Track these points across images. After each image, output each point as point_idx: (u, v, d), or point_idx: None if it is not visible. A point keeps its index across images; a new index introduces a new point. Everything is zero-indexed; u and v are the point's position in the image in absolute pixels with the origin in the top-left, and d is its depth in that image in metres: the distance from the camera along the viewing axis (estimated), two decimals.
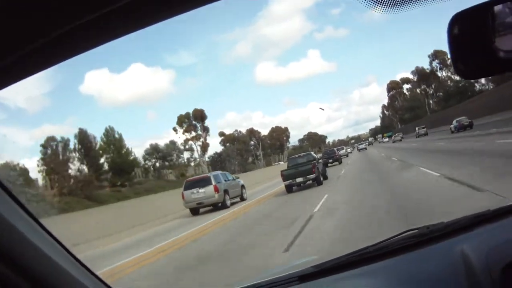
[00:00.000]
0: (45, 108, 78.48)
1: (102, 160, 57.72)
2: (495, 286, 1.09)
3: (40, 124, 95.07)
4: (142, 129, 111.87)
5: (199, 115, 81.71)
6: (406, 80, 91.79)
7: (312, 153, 23.29)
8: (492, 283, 1.09)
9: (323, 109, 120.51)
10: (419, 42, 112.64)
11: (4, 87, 0.90)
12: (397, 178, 12.68)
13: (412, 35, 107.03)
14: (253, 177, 40.08)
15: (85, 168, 54.78)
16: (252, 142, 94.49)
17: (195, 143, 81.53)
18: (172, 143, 78.32)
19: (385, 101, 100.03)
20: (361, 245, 1.50)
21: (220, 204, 17.05)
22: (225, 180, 18.10)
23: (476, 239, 1.33)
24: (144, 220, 18.39)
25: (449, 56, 0.97)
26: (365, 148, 60.57)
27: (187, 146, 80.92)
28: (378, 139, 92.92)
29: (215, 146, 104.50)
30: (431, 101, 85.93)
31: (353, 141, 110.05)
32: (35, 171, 50.67)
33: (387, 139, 79.40)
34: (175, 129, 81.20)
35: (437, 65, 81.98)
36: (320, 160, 21.61)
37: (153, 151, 73.81)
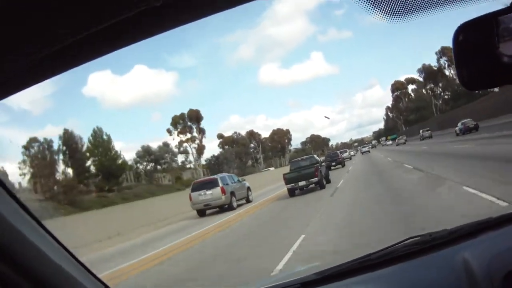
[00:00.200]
0: (48, 110, 79.77)
1: (89, 163, 55.66)
2: None
3: (43, 126, 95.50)
4: (143, 131, 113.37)
5: (195, 116, 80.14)
6: (411, 80, 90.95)
7: (315, 156, 23.48)
8: None
9: (328, 118, 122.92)
10: (423, 44, 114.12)
11: (11, 94, 0.95)
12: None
13: (416, 37, 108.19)
14: (252, 181, 40.14)
15: (70, 171, 52.79)
16: (252, 145, 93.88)
17: (190, 146, 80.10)
18: (166, 145, 76.73)
19: (389, 103, 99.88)
20: (363, 252, 1.54)
21: (226, 206, 17.89)
22: (232, 182, 19.06)
23: (478, 247, 1.37)
24: (126, 229, 17.80)
25: (454, 67, 1.00)
26: (368, 151, 61.22)
27: (181, 149, 79.43)
28: (382, 142, 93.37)
29: (213, 148, 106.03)
30: (438, 101, 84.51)
31: (356, 144, 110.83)
32: (17, 175, 48.36)
33: (390, 142, 79.76)
34: (169, 131, 79.74)
35: (445, 62, 78.67)
36: (323, 163, 21.82)
37: (145, 153, 72.04)
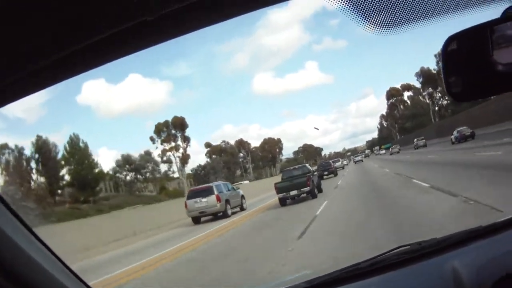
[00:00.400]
0: (42, 118, 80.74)
1: (64, 171, 53.75)
2: None
3: (35, 134, 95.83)
4: (137, 140, 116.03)
5: (179, 124, 78.72)
6: (407, 87, 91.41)
7: (307, 165, 24.02)
8: None
9: (317, 129, 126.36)
10: (420, 49, 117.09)
11: (8, 103, 1.02)
12: None
13: (413, 43, 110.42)
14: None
15: (43, 180, 50.89)
16: (241, 154, 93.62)
17: (173, 155, 78.39)
18: (147, 154, 75.03)
19: (384, 111, 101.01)
20: (353, 260, 1.60)
21: (221, 214, 18.95)
22: (227, 190, 20.18)
23: (467, 255, 1.43)
24: (92, 245, 17.31)
25: (443, 79, 1.03)
26: (361, 160, 63.22)
27: (164, 158, 77.55)
28: (375, 151, 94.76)
29: (201, 158, 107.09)
30: (436, 107, 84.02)
31: (349, 153, 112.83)
32: None
33: (383, 151, 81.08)
34: (152, 139, 78.03)
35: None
36: (315, 173, 22.35)
37: (125, 162, 70.19)
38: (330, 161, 44.94)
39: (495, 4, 1.05)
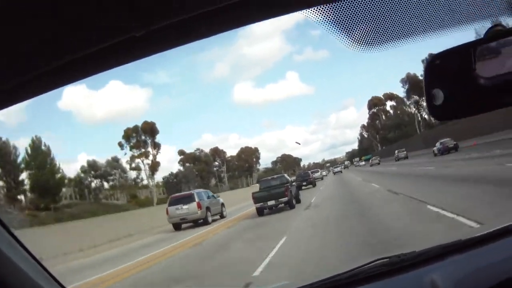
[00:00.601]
0: (23, 123, 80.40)
1: (23, 176, 51.09)
2: None
3: (17, 138, 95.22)
4: (115, 146, 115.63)
5: (149, 129, 76.75)
6: (390, 96, 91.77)
7: (285, 175, 24.31)
8: None
9: (299, 143, 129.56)
10: (403, 63, 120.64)
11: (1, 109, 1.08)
12: None
13: (396, 55, 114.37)
14: None
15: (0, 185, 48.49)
16: (216, 163, 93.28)
17: (143, 162, 76.32)
18: (115, 160, 73.12)
19: (365, 121, 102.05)
20: (332, 272, 1.67)
21: (202, 221, 20.14)
22: (207, 198, 21.53)
23: (446, 269, 1.50)
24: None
25: (425, 97, 1.07)
26: (341, 171, 64.81)
27: (133, 165, 75.41)
28: (355, 163, 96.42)
29: (176, 166, 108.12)
30: (425, 115, 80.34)
31: (328, 164, 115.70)
32: None
33: (363, 163, 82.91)
34: (120, 144, 75.61)
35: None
36: (293, 183, 22.77)
37: (90, 168, 68.26)
38: (309, 171, 45.83)
39: (478, 24, 1.12)
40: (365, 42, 1.07)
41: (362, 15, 1.05)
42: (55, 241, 20.82)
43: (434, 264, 1.55)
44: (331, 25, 1.06)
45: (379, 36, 1.09)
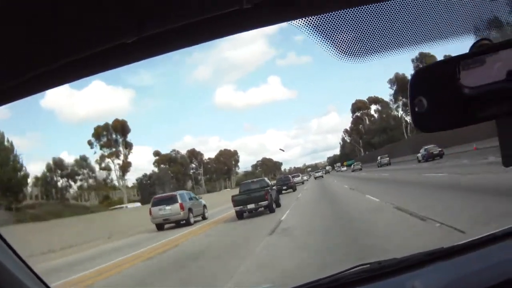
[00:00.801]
0: (4, 120, 78.61)
1: None
2: None
3: None
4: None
5: (120, 127, 74.65)
6: (374, 100, 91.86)
7: (266, 179, 24.80)
8: None
9: (283, 150, 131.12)
10: (388, 68, 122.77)
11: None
12: None
13: (380, 62, 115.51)
14: None
15: None
16: (193, 165, 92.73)
17: (113, 161, 74.01)
18: (83, 159, 70.85)
19: (347, 126, 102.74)
20: (314, 276, 1.72)
21: (184, 221, 21.16)
22: (190, 199, 22.68)
23: (427, 276, 1.57)
24: None
25: (409, 109, 1.11)
26: (322, 176, 66.04)
27: (103, 164, 73.28)
28: (336, 168, 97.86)
29: (148, 166, 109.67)
30: (411, 119, 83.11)
31: (309, 169, 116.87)
32: None
33: (345, 168, 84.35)
34: (90, 143, 73.55)
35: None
36: (273, 187, 23.24)
37: (56, 167, 65.96)
38: (290, 176, 46.48)
39: (463, 38, 1.21)
40: (350, 53, 1.14)
41: (347, 27, 1.12)
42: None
43: (416, 271, 1.61)
44: (316, 35, 1.13)
45: (364, 47, 1.16)
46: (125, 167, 74.40)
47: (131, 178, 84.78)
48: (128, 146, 75.25)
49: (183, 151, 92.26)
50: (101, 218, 34.42)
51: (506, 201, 8.71)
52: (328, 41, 1.14)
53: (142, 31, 0.97)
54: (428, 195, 13.32)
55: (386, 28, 1.16)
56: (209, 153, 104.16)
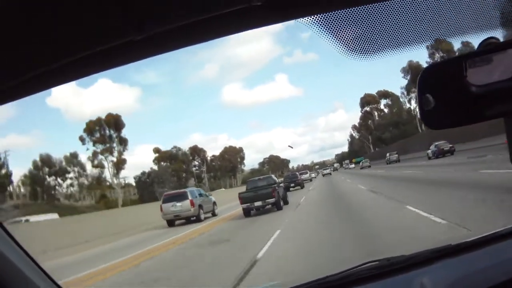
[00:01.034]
0: (10, 119, 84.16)
1: None
2: None
3: (5, 134, 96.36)
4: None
5: (113, 122, 72.81)
6: (384, 94, 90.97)
7: (273, 176, 24.96)
8: None
9: (291, 147, 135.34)
10: (396, 63, 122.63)
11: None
12: None
13: (384, 62, 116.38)
14: None
15: None
16: (196, 163, 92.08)
17: (106, 158, 72.32)
18: (73, 156, 69.82)
19: (356, 121, 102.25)
20: (323, 273, 1.78)
21: (194, 218, 22.23)
22: (200, 196, 23.67)
23: (435, 273, 1.61)
24: None
25: (418, 106, 1.16)
26: (330, 173, 67.46)
27: (96, 162, 71.91)
28: (344, 165, 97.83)
29: (147, 164, 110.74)
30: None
31: (317, 166, 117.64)
32: None
33: (353, 165, 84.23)
34: (82, 139, 71.63)
35: (443, 56, 65.29)
36: (281, 184, 23.52)
37: (43, 164, 65.15)
38: (297, 173, 47.02)
39: (471, 36, 1.23)
40: (357, 51, 1.17)
41: (355, 25, 1.16)
42: None
43: (424, 268, 1.66)
44: (324, 33, 1.16)
45: (371, 45, 1.19)
46: (119, 164, 73.32)
47: (129, 176, 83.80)
48: (123, 142, 74.19)
49: (187, 148, 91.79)
50: (95, 218, 34.07)
51: None
52: (336, 39, 1.17)
53: (150, 28, 1.00)
54: None
55: (394, 26, 1.18)
56: (217, 151, 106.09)
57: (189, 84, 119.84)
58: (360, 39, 1.18)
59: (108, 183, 72.72)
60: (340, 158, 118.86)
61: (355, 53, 1.18)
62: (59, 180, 66.22)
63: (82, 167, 70.35)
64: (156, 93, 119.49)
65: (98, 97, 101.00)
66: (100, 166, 72.17)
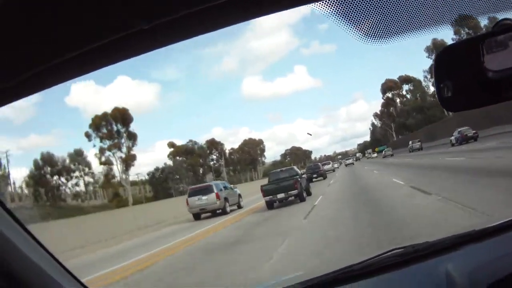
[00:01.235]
0: (31, 119, 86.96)
1: None
2: None
3: (26, 135, 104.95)
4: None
5: (121, 116, 69.32)
6: (406, 79, 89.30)
7: (295, 167, 25.29)
8: None
9: (310, 134, 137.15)
10: (413, 51, 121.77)
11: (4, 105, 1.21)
12: None
13: (401, 52, 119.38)
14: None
15: None
16: (214, 156, 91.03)
17: (114, 155, 68.89)
18: (78, 153, 66.60)
19: (378, 109, 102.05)
20: (346, 262, 1.80)
21: (220, 211, 22.87)
22: (225, 189, 24.34)
23: (460, 259, 1.63)
24: None
25: (435, 89, 1.17)
26: (352, 163, 68.13)
27: (103, 159, 68.41)
28: (367, 155, 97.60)
29: (162, 159, 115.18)
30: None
31: (339, 156, 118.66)
32: None
33: (375, 155, 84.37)
34: (87, 135, 67.96)
35: (469, 34, 61.07)
36: (303, 175, 23.77)
37: (44, 164, 61.96)
38: (319, 163, 47.24)
39: (488, 17, 1.20)
40: (373, 35, 1.17)
41: (370, 8, 1.14)
42: None
43: (448, 254, 1.67)
44: (338, 18, 1.15)
45: (388, 29, 1.18)
46: (128, 161, 69.79)
47: (143, 173, 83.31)
48: (132, 137, 70.34)
49: (203, 142, 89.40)
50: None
51: None
52: (353, 23, 1.16)
53: (160, 16, 0.99)
54: None
55: (410, 7, 1.18)
56: (237, 144, 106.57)
57: (209, 78, 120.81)
58: (378, 22, 1.17)
59: (117, 181, 69.76)
60: (362, 148, 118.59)
61: (374, 38, 1.17)
62: (62, 179, 63.81)
63: (88, 165, 67.77)
64: (176, 88, 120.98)
65: (117, 95, 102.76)
66: (108, 163, 69.17)
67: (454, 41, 1.24)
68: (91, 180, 68.05)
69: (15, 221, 1.25)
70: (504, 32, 1.13)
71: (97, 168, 69.90)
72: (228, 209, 23.24)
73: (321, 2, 1.12)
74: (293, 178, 20.57)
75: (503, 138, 28.08)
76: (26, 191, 57.76)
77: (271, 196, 20.04)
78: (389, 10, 1.17)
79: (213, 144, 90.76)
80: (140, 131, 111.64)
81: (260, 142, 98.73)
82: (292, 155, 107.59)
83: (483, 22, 1.27)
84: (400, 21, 1.19)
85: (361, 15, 1.15)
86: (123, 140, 70.47)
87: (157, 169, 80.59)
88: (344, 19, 1.15)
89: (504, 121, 36.53)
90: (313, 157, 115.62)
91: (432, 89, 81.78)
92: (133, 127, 73.39)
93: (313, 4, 1.13)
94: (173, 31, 1.09)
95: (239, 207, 25.34)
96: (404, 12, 1.19)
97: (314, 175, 37.32)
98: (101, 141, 69.40)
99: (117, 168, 70.20)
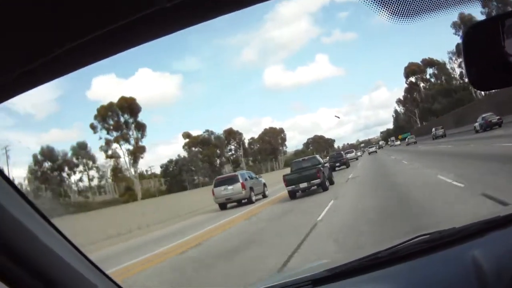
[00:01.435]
0: (53, 114, 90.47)
1: None
2: None
3: (48, 129, 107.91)
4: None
5: (128, 106, 66.08)
6: (429, 62, 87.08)
7: (317, 156, 25.26)
8: None
9: (338, 117, 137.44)
10: (432, 42, 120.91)
11: (14, 96, 1.19)
12: None
13: (424, 36, 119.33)
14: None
15: None
16: (232, 147, 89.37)
17: (121, 147, 65.99)
18: (82, 146, 63.88)
19: (401, 95, 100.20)
20: (372, 250, 1.81)
21: (246, 200, 23.58)
22: (250, 178, 24.95)
23: (487, 245, 1.62)
24: None
25: (464, 67, 1.16)
26: (375, 151, 68.85)
27: (110, 151, 65.97)
28: (390, 143, 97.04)
29: (176, 151, 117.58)
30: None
31: (363, 145, 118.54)
32: None
33: (398, 142, 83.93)
34: (93, 126, 64.97)
35: (499, 7, 58.53)
36: (326, 164, 23.85)
37: (45, 158, 59.99)
38: (342, 152, 47.63)
39: None
40: (401, 13, 1.12)
41: None
42: None
43: (475, 240, 1.67)
44: None
45: (416, 6, 1.13)
46: (136, 153, 67.11)
47: (155, 166, 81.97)
48: (141, 127, 67.23)
49: (221, 132, 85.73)
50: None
51: None
52: (379, 2, 1.12)
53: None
54: None
55: None
56: (257, 134, 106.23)
57: (230, 68, 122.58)
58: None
59: (127, 174, 67.19)
60: (385, 135, 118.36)
61: (402, 16, 1.13)
62: (67, 174, 61.83)
63: (92, 158, 64.98)
64: (197, 79, 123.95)
65: (138, 87, 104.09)
66: (116, 156, 66.56)
67: (482, 18, 1.22)
68: (96, 174, 65.82)
69: (38, 214, 1.26)
70: None
71: (102, 161, 67.20)
72: (253, 198, 23.81)
73: None
74: (315, 167, 20.59)
75: None
76: (28, 188, 56.70)
77: (293, 186, 20.12)
78: None
79: (231, 134, 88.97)
80: (161, 123, 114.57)
81: (281, 131, 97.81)
82: (314, 144, 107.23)
83: None
84: None
85: None
86: (131, 132, 67.94)
87: (170, 161, 78.66)
88: None
89: None
90: (336, 145, 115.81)
91: (458, 71, 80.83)
92: (144, 118, 71.33)
93: None
94: (193, 10, 1.03)
95: (264, 196, 25.80)
96: None
97: (337, 164, 37.32)
98: (107, 133, 66.90)
99: (125, 161, 67.90)
